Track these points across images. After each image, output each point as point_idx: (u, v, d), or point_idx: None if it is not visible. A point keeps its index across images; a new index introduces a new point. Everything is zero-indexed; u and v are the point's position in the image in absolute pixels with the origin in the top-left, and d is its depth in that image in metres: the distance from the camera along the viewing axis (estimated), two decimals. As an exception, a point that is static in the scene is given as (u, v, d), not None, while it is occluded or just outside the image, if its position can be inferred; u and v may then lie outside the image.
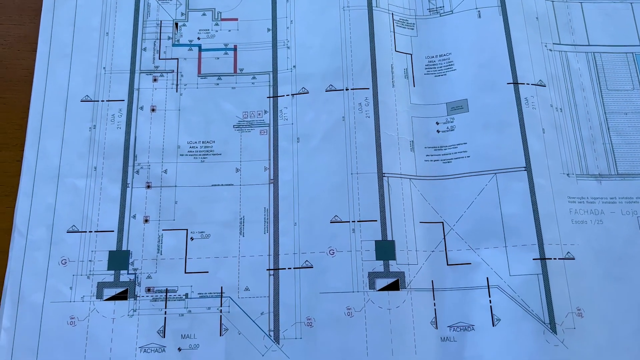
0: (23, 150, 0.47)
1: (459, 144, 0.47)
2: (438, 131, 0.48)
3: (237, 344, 0.42)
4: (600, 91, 0.49)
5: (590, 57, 0.50)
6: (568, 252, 0.43)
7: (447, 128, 0.48)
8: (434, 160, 0.47)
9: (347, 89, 0.48)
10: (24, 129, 0.48)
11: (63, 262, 0.44)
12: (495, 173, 0.45)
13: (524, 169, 0.45)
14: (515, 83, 0.47)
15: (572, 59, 0.50)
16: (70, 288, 0.44)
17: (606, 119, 0.48)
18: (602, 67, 0.50)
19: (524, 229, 0.44)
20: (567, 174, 0.46)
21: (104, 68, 0.49)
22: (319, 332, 0.42)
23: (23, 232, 0.45)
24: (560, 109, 0.48)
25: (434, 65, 0.50)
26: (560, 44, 0.50)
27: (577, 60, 0.50)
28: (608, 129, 0.48)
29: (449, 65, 0.49)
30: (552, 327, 0.41)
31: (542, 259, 0.43)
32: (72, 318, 0.43)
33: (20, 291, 0.43)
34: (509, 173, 0.45)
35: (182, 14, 0.51)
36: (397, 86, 0.48)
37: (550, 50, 0.50)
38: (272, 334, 0.43)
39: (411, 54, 0.50)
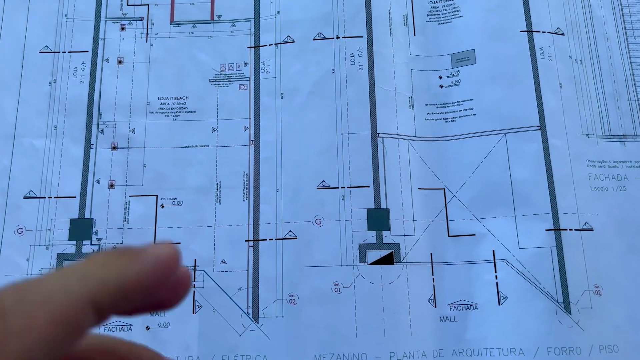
0: (-25, 107, 0.45)
1: (464, 101, 0.44)
2: (441, 86, 0.45)
3: (212, 322, 0.40)
4: (627, 41, 0.46)
5: (615, 2, 0.47)
6: (586, 223, 0.41)
7: (452, 82, 0.45)
8: (436, 119, 0.44)
9: (338, 38, 0.45)
10: (-24, 83, 0.46)
11: (19, 231, 0.42)
12: (505, 133, 0.43)
13: (537, 128, 0.43)
14: (530, 31, 0.45)
15: (595, 4, 0.47)
16: (27, 260, 0.42)
17: (632, 73, 0.46)
18: (629, 13, 0.47)
19: (536, 196, 0.41)
20: (587, 135, 0.44)
21: (65, 15, 0.47)
22: (302, 310, 0.40)
23: (-25, 198, 0.44)
24: (580, 60, 0.45)
25: (437, 11, 0.47)
26: (582, -13, 0.48)
27: (600, 6, 0.47)
28: (634, 84, 0.46)
29: (455, 11, 0.46)
30: (566, 306, 0.39)
31: (556, 229, 0.41)
32: (29, 293, 0.40)
33: (-29, 263, 0.42)
34: (520, 133, 0.43)
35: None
36: (395, 35, 0.46)
37: (571, -7, 0.48)
38: (250, 311, 0.41)
39: (411, -2, 0.48)
